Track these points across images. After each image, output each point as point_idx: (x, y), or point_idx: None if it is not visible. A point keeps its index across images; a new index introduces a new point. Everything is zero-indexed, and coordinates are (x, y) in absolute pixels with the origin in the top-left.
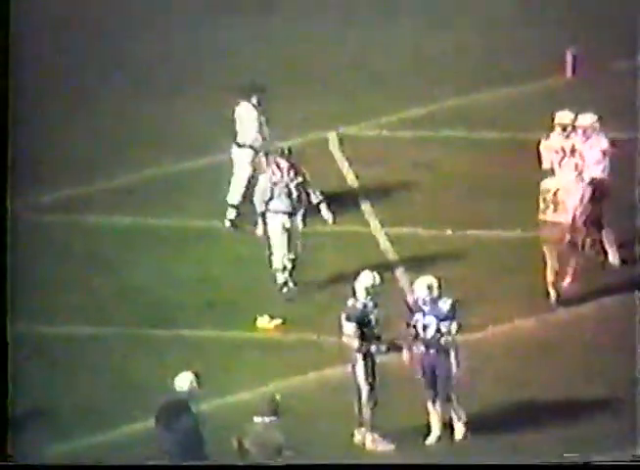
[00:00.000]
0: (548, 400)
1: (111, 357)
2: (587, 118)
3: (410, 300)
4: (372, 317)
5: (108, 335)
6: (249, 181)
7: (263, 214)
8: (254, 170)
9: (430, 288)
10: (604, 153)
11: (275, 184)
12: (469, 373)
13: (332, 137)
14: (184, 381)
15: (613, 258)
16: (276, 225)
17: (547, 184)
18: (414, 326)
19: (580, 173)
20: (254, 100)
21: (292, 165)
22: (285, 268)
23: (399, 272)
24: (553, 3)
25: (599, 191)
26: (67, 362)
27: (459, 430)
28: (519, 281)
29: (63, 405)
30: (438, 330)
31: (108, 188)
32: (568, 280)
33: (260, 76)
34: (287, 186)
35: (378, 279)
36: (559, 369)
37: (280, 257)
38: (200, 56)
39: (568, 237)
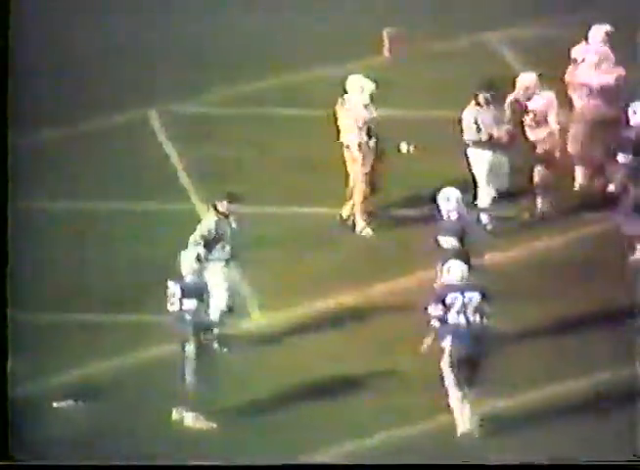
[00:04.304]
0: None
1: None
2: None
3: (439, 285)
4: (204, 294)
5: None
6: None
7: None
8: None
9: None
10: None
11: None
12: None
13: (153, 114)
14: None
15: None
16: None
17: None
18: (446, 307)
19: None
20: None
21: None
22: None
23: None
24: None
25: None
26: None
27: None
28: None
29: None
30: (480, 310)
31: None
32: None
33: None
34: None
35: (203, 255)
36: None
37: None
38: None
39: None
